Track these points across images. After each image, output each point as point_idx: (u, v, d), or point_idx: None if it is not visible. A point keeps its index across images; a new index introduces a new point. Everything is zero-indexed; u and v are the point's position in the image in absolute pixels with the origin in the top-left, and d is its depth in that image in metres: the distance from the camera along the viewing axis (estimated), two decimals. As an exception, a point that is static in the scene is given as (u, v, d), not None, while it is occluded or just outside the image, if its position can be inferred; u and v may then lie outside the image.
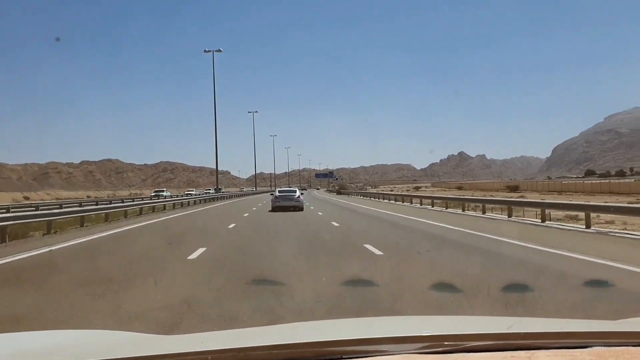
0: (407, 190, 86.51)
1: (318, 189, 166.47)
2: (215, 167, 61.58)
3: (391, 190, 77.49)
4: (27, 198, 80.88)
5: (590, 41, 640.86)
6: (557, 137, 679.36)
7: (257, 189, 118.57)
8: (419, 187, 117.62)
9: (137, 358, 1.21)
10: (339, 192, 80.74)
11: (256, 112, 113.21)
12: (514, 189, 69.11)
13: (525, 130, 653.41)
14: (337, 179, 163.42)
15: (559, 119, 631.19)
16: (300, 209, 28.07)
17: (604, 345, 1.24)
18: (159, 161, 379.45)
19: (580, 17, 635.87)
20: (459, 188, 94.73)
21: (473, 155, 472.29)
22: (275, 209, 27.91)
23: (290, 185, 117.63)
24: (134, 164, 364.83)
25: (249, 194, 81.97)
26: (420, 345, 1.21)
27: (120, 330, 2.00)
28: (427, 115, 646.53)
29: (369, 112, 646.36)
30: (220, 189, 69.00)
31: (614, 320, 1.73)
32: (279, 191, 30.50)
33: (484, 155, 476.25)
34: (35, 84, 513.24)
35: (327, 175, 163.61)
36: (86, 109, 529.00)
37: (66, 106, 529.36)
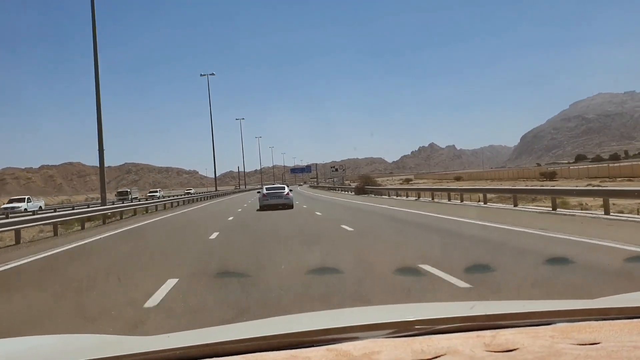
0: (401, 184, 79.56)
1: (301, 185, 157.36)
2: (182, 168, 54.95)
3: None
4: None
5: (552, 29, 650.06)
6: (524, 126, 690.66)
7: (221, 188, 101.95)
8: (409, 180, 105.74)
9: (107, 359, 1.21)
10: (359, 191, 50.52)
11: (242, 119, 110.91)
12: (550, 176, 60.80)
13: (493, 120, 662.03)
14: (309, 172, 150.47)
15: (525, 107, 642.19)
16: (290, 206, 26.49)
17: (566, 321, 1.28)
18: (123, 162, 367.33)
19: (542, 5, 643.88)
20: (458, 179, 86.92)
21: (443, 146, 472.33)
22: (263, 207, 26.28)
23: (274, 183, 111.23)
24: (96, 167, 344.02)
25: (204, 197, 57.49)
26: (389, 330, 1.23)
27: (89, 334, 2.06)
28: (394, 108, 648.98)
29: (336, 108, 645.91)
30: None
31: (580, 300, 1.74)
32: (267, 188, 28.56)
33: (454, 145, 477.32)
34: None
35: (303, 169, 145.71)
36: (45, 111, 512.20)
37: (23, 110, 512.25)
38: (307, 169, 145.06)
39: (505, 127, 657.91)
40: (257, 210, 25.88)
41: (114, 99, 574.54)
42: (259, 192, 29.45)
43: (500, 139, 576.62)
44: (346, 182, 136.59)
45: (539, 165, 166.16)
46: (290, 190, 28.42)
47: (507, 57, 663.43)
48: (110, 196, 57.71)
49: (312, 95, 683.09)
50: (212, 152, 71.04)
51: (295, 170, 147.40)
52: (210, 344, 1.21)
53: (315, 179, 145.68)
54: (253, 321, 1.73)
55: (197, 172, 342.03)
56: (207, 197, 59.40)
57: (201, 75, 74.82)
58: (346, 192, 57.17)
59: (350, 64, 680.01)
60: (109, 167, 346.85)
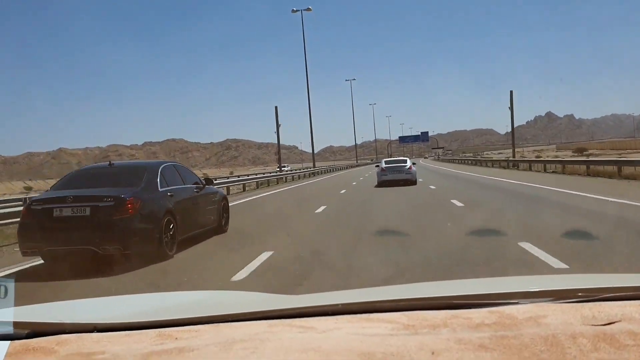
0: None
1: (426, 157, 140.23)
2: (282, 143, 43.61)
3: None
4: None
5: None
6: None
7: (319, 164, 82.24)
8: (583, 150, 78.04)
9: (263, 312, 1.23)
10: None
11: (354, 79, 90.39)
12: None
13: (614, 87, 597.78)
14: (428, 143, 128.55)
15: None
16: (413, 182, 24.27)
17: None
18: (224, 139, 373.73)
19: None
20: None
21: (561, 115, 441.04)
22: (382, 183, 24.31)
23: (394, 155, 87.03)
24: (199, 143, 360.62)
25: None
26: (553, 295, 1.21)
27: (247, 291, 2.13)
28: (507, 75, 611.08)
29: (443, 76, 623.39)
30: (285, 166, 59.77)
31: None
32: (386, 162, 26.29)
33: (572, 115, 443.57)
34: (92, 68, 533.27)
35: (417, 138, 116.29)
36: (147, 90, 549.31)
37: (126, 89, 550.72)
38: (420, 137, 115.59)
39: (629, 94, 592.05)
40: (375, 186, 24.09)
41: (215, 76, 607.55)
42: (377, 166, 27.60)
43: (624, 107, 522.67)
44: (464, 153, 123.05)
45: None
46: (414, 164, 26.20)
47: (628, 20, 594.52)
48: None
49: (418, 64, 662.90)
50: (310, 126, 57.24)
51: (405, 139, 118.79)
52: (370, 302, 1.24)
53: (439, 150, 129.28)
54: (413, 284, 1.86)
55: (297, 147, 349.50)
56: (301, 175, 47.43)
57: (293, 11, 54.74)
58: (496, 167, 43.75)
59: (462, 26, 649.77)
60: (211, 143, 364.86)
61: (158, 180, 8.11)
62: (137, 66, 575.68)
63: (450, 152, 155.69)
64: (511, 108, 44.52)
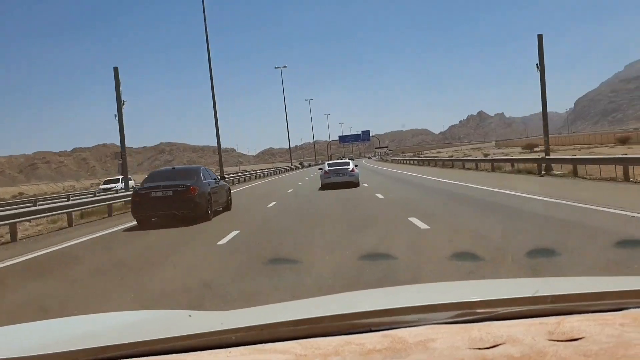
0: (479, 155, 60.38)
1: (369, 157, 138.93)
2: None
3: (451, 156, 57.02)
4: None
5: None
6: (575, 91, 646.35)
7: (260, 167, 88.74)
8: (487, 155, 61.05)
9: (154, 341, 1.18)
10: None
11: (284, 66, 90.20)
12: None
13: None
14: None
15: (575, 72, 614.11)
16: (356, 184, 24.18)
17: (638, 307, 1.19)
18: (158, 142, 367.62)
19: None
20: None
21: (492, 114, 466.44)
22: (325, 186, 24.33)
23: (341, 157, 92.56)
24: (132, 148, 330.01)
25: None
26: (449, 314, 1.19)
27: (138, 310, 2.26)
28: (440, 77, 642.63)
29: (379, 81, 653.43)
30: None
31: None
32: (329, 164, 26.50)
33: (503, 113, 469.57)
34: (15, 69, 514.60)
35: (358, 137, 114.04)
36: (76, 94, 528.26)
37: (53, 92, 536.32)
38: (362, 136, 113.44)
39: (554, 93, 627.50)
40: (319, 189, 24.10)
41: (150, 78, 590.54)
42: (320, 169, 27.76)
43: (551, 106, 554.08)
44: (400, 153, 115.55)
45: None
46: (356, 166, 26.34)
47: (555, 22, 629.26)
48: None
49: (357, 70, 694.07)
50: (259, 134, 74.42)
51: (346, 138, 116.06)
52: (265, 325, 1.19)
53: (383, 149, 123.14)
54: (302, 300, 1.72)
55: (234, 150, 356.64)
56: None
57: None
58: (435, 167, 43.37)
59: (394, 36, 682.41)
60: (144, 147, 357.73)
61: (202, 176, 14.53)
62: (64, 67, 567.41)
63: (391, 152, 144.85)
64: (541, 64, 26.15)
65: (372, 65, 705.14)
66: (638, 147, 45.79)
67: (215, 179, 15.84)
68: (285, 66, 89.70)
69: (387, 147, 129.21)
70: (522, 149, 78.95)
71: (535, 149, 66.68)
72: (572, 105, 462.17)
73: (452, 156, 60.13)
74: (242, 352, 1.09)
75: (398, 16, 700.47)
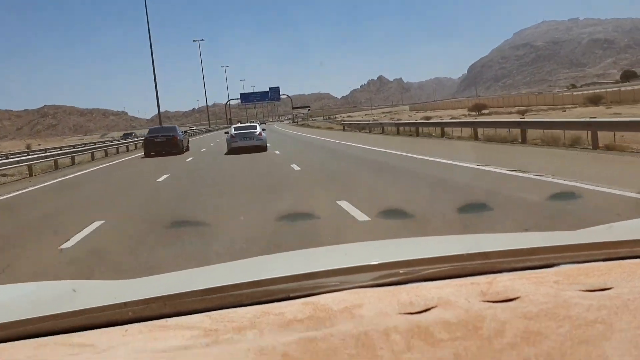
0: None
1: (281, 120, 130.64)
2: (109, 109, 46.74)
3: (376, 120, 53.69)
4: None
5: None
6: (468, 58, 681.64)
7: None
8: (429, 117, 56.32)
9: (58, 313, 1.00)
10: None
11: (202, 39, 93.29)
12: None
13: (436, 53, 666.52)
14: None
15: (467, 39, 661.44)
16: (264, 149, 23.99)
17: (570, 262, 1.14)
18: (42, 105, 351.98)
19: None
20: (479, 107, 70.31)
21: (391, 79, 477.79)
22: (232, 151, 24.15)
23: (252, 121, 61.07)
24: (11, 111, 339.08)
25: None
26: (374, 274, 1.08)
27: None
28: (340, 43, 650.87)
29: (282, 38, 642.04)
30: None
31: (576, 231, 1.61)
32: (235, 128, 25.95)
33: (401, 78, 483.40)
34: None
35: (265, 96, 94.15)
36: None
37: None
38: (270, 94, 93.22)
39: (449, 59, 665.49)
40: (226, 154, 23.98)
41: (36, 32, 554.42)
42: (226, 133, 27.17)
43: (445, 71, 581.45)
44: (310, 118, 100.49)
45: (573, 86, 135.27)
46: (263, 130, 25.96)
47: None
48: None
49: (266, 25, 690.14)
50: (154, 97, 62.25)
51: (249, 97, 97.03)
52: (170, 296, 1.04)
53: (302, 109, 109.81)
54: (211, 266, 1.52)
55: (126, 113, 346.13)
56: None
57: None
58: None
59: None
60: (25, 110, 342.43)
61: (179, 130, 29.29)
62: None
63: (302, 115, 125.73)
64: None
65: (277, 24, 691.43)
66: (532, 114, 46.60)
67: (182, 133, 29.37)
68: (202, 39, 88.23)
69: (309, 107, 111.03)
70: (469, 110, 72.71)
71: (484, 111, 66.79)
72: (466, 71, 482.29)
73: (377, 120, 55.14)
74: (140, 329, 0.94)
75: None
